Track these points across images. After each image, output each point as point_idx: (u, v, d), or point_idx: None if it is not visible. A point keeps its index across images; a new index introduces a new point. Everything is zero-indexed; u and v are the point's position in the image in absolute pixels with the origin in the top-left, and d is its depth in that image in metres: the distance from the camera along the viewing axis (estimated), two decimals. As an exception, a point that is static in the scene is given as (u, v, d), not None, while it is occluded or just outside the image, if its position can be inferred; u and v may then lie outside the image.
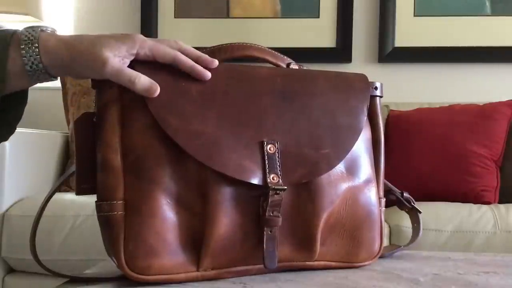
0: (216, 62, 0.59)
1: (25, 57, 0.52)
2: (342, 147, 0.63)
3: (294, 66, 0.68)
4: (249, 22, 2.10)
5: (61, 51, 0.52)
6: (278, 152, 0.59)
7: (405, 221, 1.36)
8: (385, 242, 1.35)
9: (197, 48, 0.60)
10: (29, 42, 0.52)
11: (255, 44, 0.67)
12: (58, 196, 1.44)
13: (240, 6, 2.10)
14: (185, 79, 0.57)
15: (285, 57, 0.69)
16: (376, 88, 0.70)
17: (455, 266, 0.68)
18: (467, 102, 1.84)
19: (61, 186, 1.38)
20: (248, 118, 0.59)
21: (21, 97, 0.58)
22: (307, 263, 0.63)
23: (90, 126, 0.57)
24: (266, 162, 0.58)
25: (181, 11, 2.12)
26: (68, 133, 1.83)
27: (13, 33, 0.52)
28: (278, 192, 0.57)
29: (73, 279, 0.60)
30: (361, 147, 0.66)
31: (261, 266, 0.59)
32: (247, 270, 0.60)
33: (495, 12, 2.03)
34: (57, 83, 1.87)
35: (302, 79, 0.64)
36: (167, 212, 0.55)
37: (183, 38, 2.06)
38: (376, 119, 0.70)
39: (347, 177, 0.64)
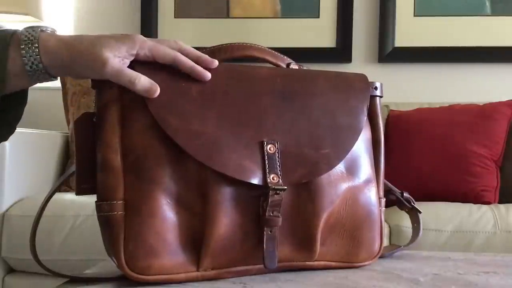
0: (216, 62, 0.59)
1: (25, 57, 0.52)
2: (342, 147, 0.63)
3: (294, 66, 0.68)
4: (249, 22, 2.10)
5: (61, 51, 0.52)
6: (278, 152, 0.59)
7: (405, 221, 1.36)
8: (385, 242, 1.35)
9: (197, 48, 0.60)
10: (29, 42, 0.52)
11: (255, 44, 0.67)
12: (58, 196, 1.44)
13: (240, 6, 2.10)
14: (185, 80, 0.57)
15: (285, 57, 0.69)
16: (376, 88, 0.70)
17: (455, 266, 0.68)
18: (467, 102, 1.84)
19: (61, 186, 1.38)
20: (248, 118, 0.59)
21: (21, 97, 0.58)
22: (307, 263, 0.63)
23: (90, 126, 0.57)
24: (266, 162, 0.58)
25: (181, 11, 2.12)
26: (68, 133, 1.83)
27: (13, 33, 0.52)
28: (278, 192, 0.57)
29: (73, 279, 0.60)
30: (361, 147, 0.66)
31: (261, 266, 0.59)
32: (247, 270, 0.60)
33: (495, 12, 2.03)
34: (57, 83, 1.86)
35: (302, 79, 0.64)
36: (167, 212, 0.55)
37: (183, 38, 2.06)
38: (376, 119, 0.70)
39: (347, 177, 0.64)
